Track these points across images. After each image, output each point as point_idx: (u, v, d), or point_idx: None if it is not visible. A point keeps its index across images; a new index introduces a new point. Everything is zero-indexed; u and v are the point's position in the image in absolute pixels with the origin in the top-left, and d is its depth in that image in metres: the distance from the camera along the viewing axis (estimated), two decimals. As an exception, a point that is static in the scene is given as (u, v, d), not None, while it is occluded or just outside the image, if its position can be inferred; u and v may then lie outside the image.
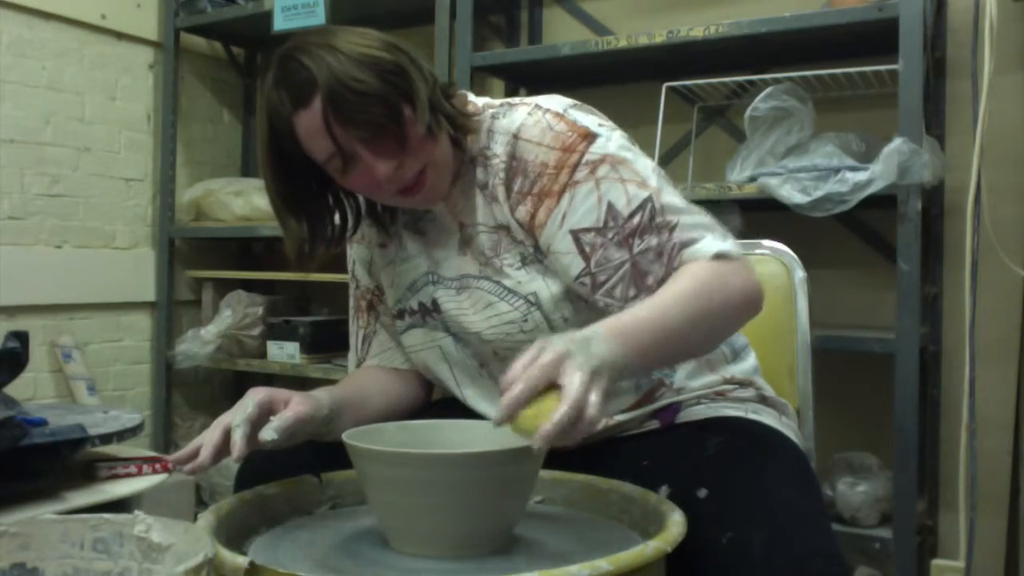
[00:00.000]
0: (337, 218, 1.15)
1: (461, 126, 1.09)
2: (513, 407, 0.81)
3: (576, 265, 1.06)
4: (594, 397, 0.81)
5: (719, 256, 1.02)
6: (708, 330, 1.00)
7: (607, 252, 1.04)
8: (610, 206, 1.04)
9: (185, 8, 2.88)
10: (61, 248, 2.68)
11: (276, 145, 1.05)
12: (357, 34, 1.04)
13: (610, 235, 1.04)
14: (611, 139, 1.07)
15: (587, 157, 1.05)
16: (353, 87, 0.99)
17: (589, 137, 1.06)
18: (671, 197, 1.05)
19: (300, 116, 1.02)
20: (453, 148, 1.10)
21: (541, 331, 1.09)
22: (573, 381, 0.81)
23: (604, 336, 0.86)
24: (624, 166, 1.05)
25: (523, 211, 1.08)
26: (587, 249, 1.05)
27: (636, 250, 1.03)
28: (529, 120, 1.08)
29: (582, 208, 1.05)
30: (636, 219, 1.03)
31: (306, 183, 1.09)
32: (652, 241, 1.03)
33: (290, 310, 2.92)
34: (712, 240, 1.03)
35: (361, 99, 0.99)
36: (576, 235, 1.05)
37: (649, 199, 1.04)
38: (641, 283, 1.04)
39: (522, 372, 0.83)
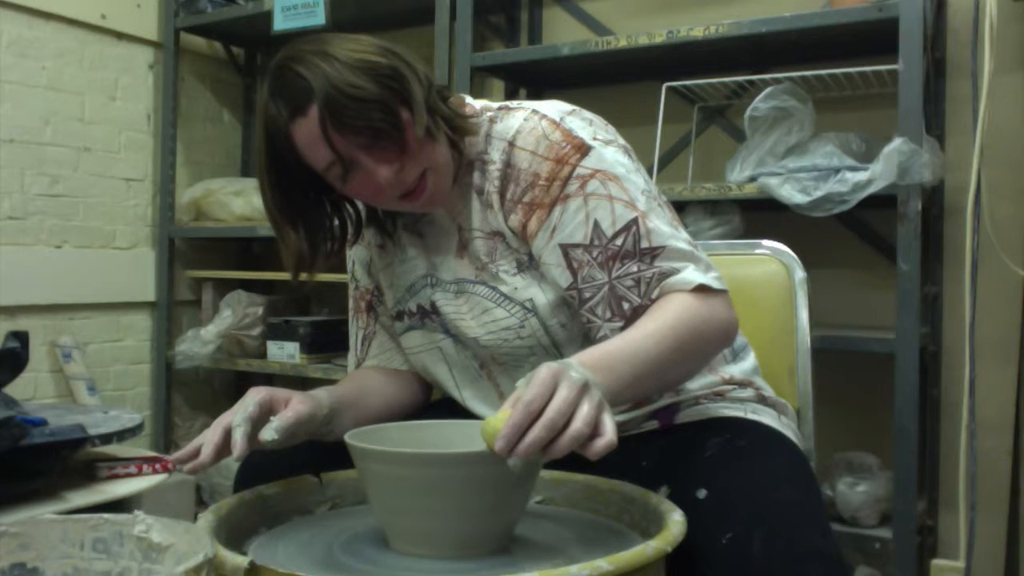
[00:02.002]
0: (336, 225, 1.14)
1: (459, 128, 1.09)
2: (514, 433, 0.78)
3: (565, 278, 1.06)
4: (585, 409, 0.79)
5: (700, 289, 1.01)
6: (681, 366, 1.01)
7: (592, 271, 1.04)
8: (596, 224, 1.04)
9: (185, 8, 2.88)
10: (61, 248, 2.68)
11: (274, 156, 1.04)
12: (351, 40, 1.03)
13: (594, 253, 1.04)
14: (605, 153, 1.06)
15: (578, 171, 1.05)
16: (350, 93, 0.98)
17: (583, 149, 1.05)
18: (658, 222, 1.04)
19: (298, 125, 1.01)
20: (451, 151, 1.09)
21: (538, 337, 1.09)
22: (559, 394, 0.79)
23: (577, 367, 0.84)
24: (615, 183, 1.04)
25: (515, 219, 1.08)
26: (575, 265, 1.05)
27: (615, 274, 1.03)
28: (525, 127, 1.08)
29: (571, 224, 1.04)
30: (619, 240, 1.03)
31: (305, 193, 1.09)
32: (632, 268, 1.03)
33: (290, 310, 2.92)
34: (694, 271, 1.02)
35: (358, 105, 0.99)
36: (565, 250, 1.05)
37: (635, 221, 1.03)
38: (617, 308, 1.04)
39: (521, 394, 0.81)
